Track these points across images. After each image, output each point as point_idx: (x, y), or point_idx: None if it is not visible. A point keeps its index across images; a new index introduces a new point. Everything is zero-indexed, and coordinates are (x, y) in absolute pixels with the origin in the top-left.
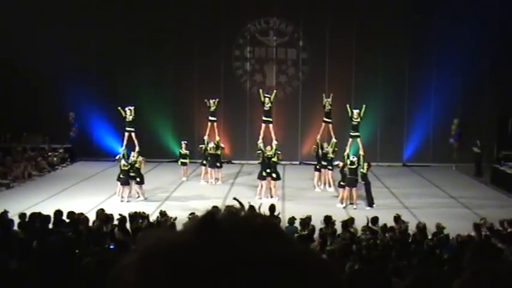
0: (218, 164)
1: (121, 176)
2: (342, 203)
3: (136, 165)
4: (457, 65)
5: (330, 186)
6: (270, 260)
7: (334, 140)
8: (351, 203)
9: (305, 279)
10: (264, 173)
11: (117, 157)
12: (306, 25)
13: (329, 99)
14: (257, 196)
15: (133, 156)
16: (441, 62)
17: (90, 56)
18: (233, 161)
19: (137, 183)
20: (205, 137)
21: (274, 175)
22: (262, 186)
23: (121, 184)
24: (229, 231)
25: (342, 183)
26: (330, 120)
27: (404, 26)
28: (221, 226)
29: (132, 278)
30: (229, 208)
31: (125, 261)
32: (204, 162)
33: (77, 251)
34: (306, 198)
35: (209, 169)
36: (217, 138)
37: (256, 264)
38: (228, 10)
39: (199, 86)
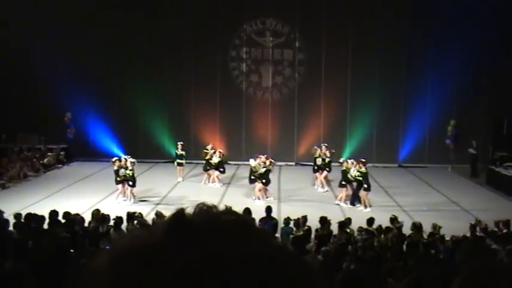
0: (222, 169)
1: (117, 179)
2: (345, 203)
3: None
4: (453, 66)
5: (323, 186)
6: (243, 258)
7: (332, 150)
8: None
9: (281, 277)
10: (252, 177)
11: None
12: (303, 26)
13: (326, 151)
14: (253, 197)
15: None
16: (437, 63)
17: (87, 56)
18: (229, 162)
19: (130, 186)
20: (210, 147)
21: (263, 180)
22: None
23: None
24: (200, 229)
25: (343, 182)
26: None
27: (400, 27)
28: (192, 224)
29: (103, 279)
30: (200, 206)
31: (96, 262)
32: (208, 167)
33: (72, 251)
34: (302, 199)
35: (216, 172)
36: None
37: (229, 263)
38: (224, 11)
39: (195, 87)
